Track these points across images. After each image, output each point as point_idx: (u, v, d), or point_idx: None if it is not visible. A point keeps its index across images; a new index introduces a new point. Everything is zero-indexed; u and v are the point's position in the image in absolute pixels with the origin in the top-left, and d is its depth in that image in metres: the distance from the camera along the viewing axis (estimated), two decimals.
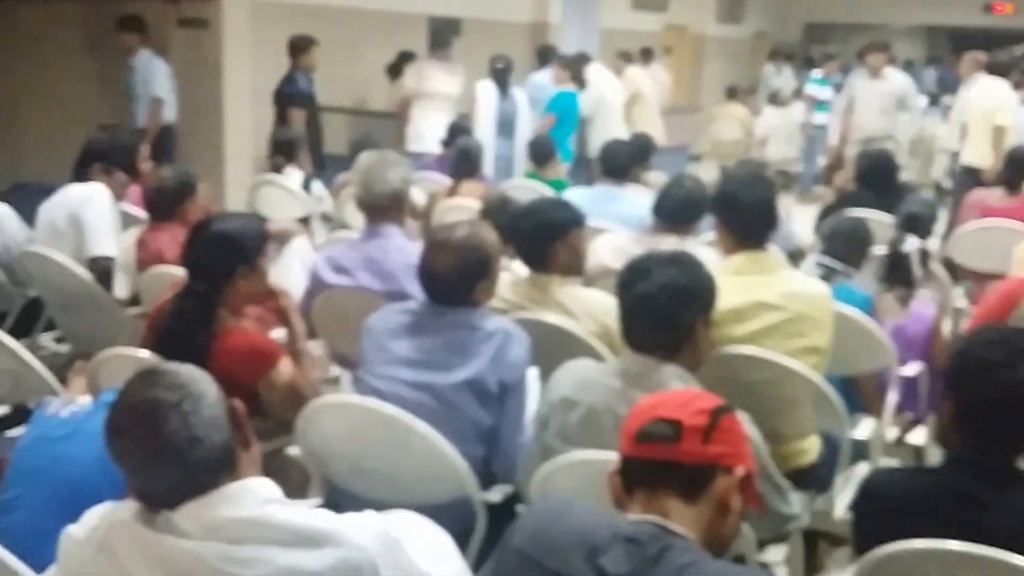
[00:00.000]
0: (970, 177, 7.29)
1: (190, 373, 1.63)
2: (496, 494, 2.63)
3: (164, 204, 4.03)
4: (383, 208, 3.56)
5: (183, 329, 2.74)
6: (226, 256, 2.81)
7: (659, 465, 1.58)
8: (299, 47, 7.41)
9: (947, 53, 17.20)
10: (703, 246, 3.74)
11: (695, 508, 1.56)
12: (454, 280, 2.69)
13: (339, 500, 2.53)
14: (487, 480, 2.62)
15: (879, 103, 8.19)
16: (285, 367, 2.82)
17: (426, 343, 2.67)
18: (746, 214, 3.01)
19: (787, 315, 2.88)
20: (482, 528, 2.47)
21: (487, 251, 2.76)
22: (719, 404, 1.64)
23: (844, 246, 3.89)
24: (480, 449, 2.61)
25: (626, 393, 2.22)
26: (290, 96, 7.32)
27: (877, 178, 5.54)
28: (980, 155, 7.45)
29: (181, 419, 1.55)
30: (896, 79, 8.41)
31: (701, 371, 2.48)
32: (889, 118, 8.20)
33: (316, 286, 3.58)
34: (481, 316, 2.71)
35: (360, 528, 1.59)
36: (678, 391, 1.73)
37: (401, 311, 2.77)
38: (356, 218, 4.36)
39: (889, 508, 2.00)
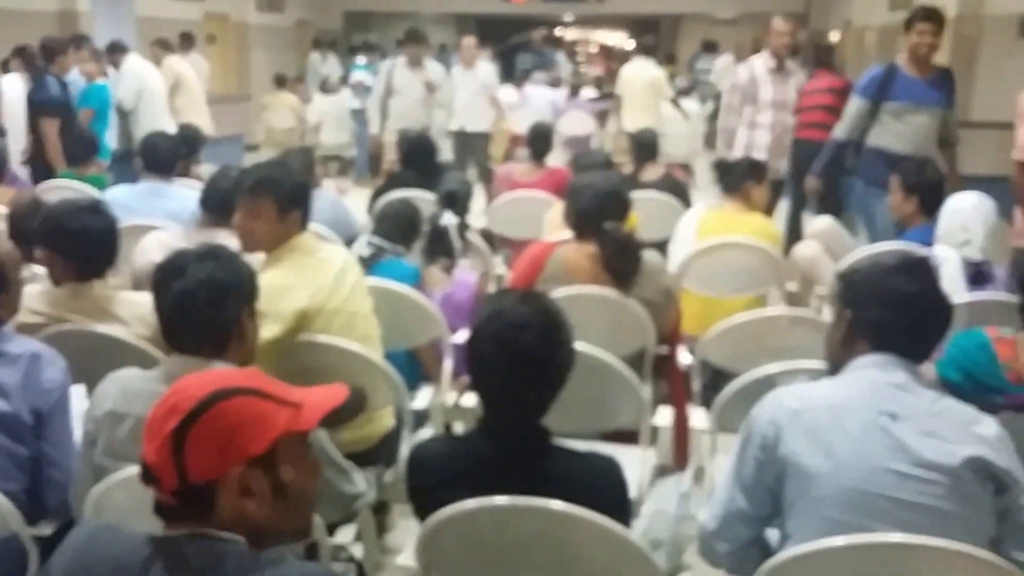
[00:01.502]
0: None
1: None
2: (47, 527, 2.44)
3: None
4: None
5: None
6: None
7: (162, 505, 1.47)
8: (53, 50, 6.68)
9: (477, 38, 18.36)
10: None
11: (216, 518, 1.45)
12: None
13: None
14: (38, 514, 2.42)
15: (418, 91, 8.50)
16: None
17: None
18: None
19: (357, 275, 3.12)
20: (35, 565, 2.28)
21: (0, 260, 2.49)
22: (185, 415, 1.43)
23: (392, 225, 4.06)
24: (22, 483, 2.40)
25: None
26: (41, 103, 6.64)
27: (418, 159, 5.83)
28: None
29: None
30: (434, 70, 8.79)
31: (276, 363, 2.47)
32: (427, 107, 8.54)
33: None
34: (2, 338, 2.44)
35: None
36: (156, 409, 1.49)
37: None
38: None
39: (433, 479, 2.08)
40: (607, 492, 2.05)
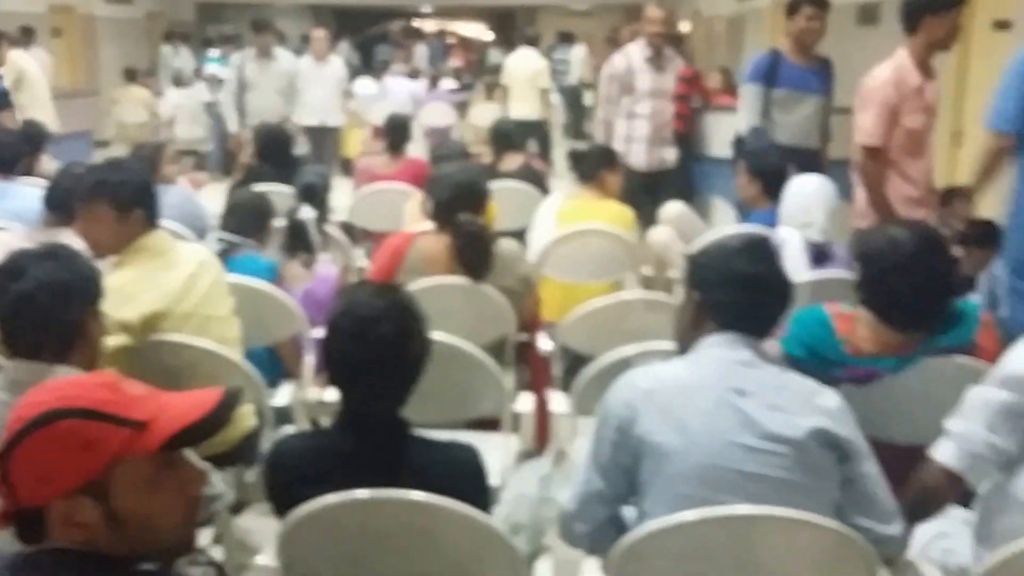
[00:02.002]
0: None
1: None
2: None
3: None
4: None
5: None
6: None
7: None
8: None
9: (335, 29, 18.16)
10: None
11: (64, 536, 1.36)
12: None
13: None
14: None
15: (274, 84, 8.32)
16: None
17: None
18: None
19: (214, 276, 3.05)
20: None
21: None
22: (9, 440, 1.34)
23: (245, 220, 3.98)
24: None
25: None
26: None
27: (275, 153, 5.74)
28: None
29: None
30: (286, 59, 8.61)
31: (128, 364, 2.38)
32: (285, 98, 8.36)
33: None
34: None
35: None
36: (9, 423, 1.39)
37: None
38: None
39: (293, 476, 2.06)
40: (467, 480, 2.07)
